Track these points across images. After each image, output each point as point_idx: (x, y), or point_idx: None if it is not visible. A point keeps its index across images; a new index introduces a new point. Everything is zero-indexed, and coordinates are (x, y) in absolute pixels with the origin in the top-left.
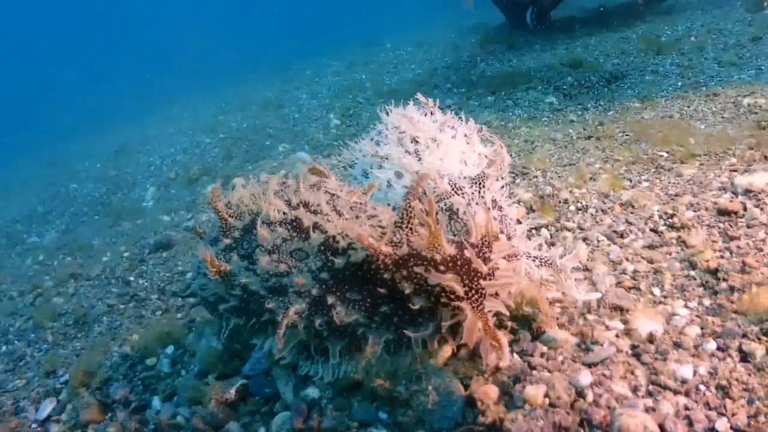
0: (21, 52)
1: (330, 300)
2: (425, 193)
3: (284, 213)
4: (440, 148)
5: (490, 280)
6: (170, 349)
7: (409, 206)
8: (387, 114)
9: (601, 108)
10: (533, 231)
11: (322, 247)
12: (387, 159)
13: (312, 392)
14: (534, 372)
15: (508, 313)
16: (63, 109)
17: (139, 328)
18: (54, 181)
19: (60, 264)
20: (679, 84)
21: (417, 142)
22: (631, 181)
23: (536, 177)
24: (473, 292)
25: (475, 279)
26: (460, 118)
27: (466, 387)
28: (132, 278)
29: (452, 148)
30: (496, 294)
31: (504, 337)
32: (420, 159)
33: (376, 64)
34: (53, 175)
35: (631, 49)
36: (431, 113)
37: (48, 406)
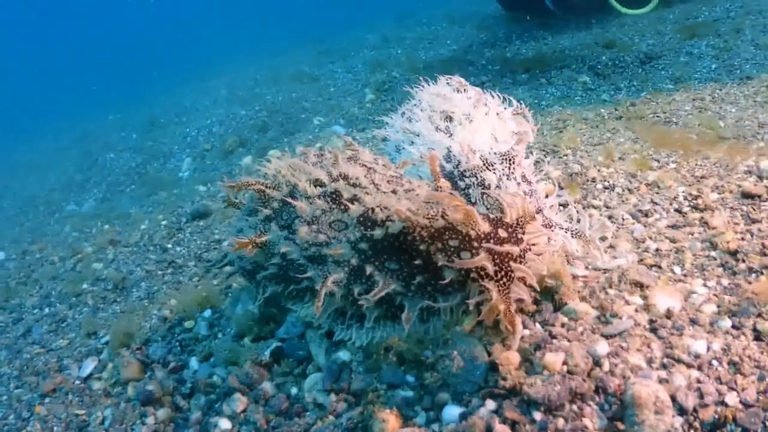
0: (54, 24)
1: (368, 269)
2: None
3: (323, 185)
4: (472, 124)
5: (520, 262)
6: (207, 313)
7: (439, 187)
8: (420, 90)
9: (633, 89)
10: (560, 207)
11: (361, 219)
12: (418, 135)
13: (343, 355)
14: (554, 340)
15: (530, 301)
16: (99, 80)
17: (177, 293)
18: (91, 151)
19: (99, 231)
20: (713, 66)
21: (450, 119)
22: (658, 161)
23: (566, 155)
24: (502, 273)
25: (506, 260)
26: (492, 94)
27: (490, 353)
28: (169, 245)
29: (484, 124)
30: (524, 278)
31: (520, 325)
32: (451, 135)
33: (410, 39)
34: (88, 146)
35: (667, 29)
36: (464, 90)
37: (90, 365)
